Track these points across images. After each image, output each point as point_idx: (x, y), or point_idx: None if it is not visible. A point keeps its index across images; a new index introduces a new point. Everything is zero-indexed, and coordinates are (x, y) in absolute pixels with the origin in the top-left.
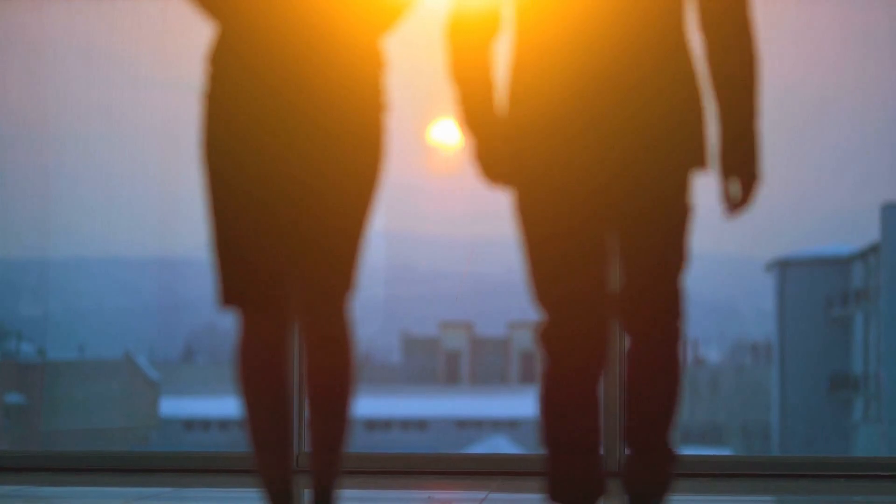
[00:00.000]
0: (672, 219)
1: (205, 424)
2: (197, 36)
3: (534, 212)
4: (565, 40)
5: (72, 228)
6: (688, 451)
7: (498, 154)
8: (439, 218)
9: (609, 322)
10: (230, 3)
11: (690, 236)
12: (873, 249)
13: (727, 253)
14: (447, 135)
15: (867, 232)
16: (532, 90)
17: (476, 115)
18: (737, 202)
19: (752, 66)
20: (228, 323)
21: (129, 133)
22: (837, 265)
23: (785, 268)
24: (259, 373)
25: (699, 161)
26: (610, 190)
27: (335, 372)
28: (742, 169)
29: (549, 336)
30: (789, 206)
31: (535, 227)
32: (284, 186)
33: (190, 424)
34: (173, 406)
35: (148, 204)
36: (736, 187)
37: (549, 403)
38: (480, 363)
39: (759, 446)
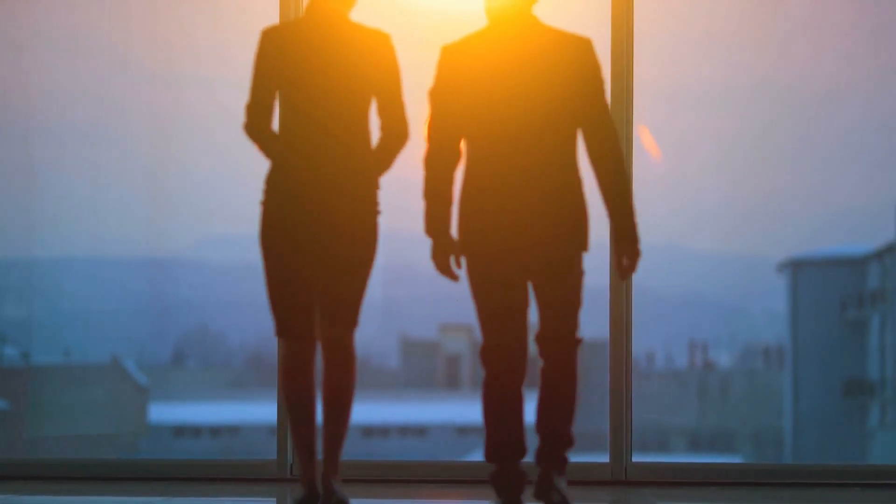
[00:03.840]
0: (570, 279)
1: (195, 431)
2: (188, 26)
3: (479, 270)
4: (499, 164)
5: (57, 226)
6: (697, 458)
7: (446, 253)
8: None
9: (527, 346)
10: (280, 148)
11: (582, 289)
12: (889, 249)
13: (737, 253)
14: None
15: (883, 230)
16: (478, 196)
17: (436, 224)
18: (626, 270)
19: (628, 183)
20: (220, 325)
21: (117, 126)
22: (852, 265)
23: (797, 268)
24: (293, 382)
25: (584, 245)
26: (529, 257)
27: (343, 385)
28: (629, 249)
29: (486, 353)
30: (801, 203)
31: (479, 279)
32: (312, 263)
33: (180, 431)
34: (163, 412)
35: (137, 201)
36: (626, 261)
37: (487, 399)
38: (482, 367)
39: (772, 454)
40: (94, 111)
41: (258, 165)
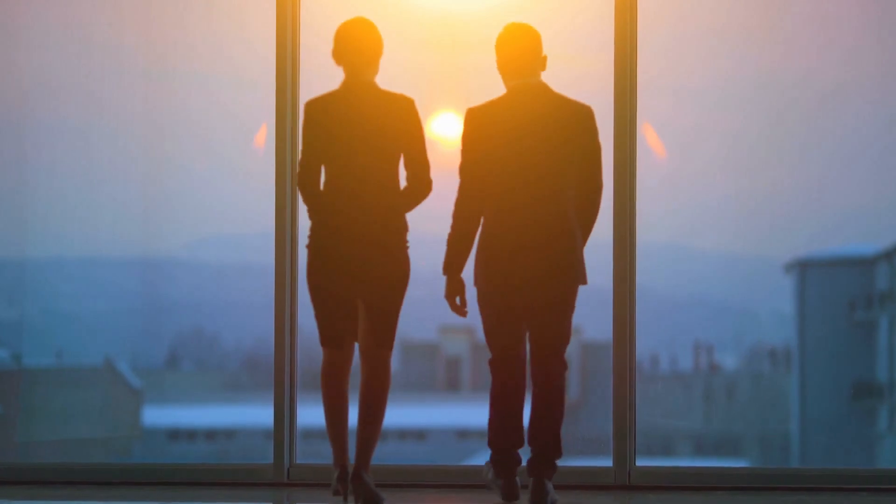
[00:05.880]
0: (563, 312)
1: (190, 434)
2: (182, 22)
3: (488, 299)
4: (511, 212)
5: (50, 225)
6: (702, 462)
7: (457, 292)
8: (439, 216)
9: (525, 356)
10: (320, 204)
11: (571, 321)
12: None
13: (743, 253)
14: (447, 130)
15: (891, 230)
16: (491, 245)
17: (451, 267)
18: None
19: (591, 228)
20: (216, 327)
21: (111, 123)
22: (860, 266)
23: (805, 269)
24: (330, 387)
25: (582, 280)
26: (528, 292)
27: (377, 395)
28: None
29: (494, 364)
30: (808, 202)
31: (488, 306)
32: (352, 291)
33: (174, 434)
34: (157, 415)
35: (131, 199)
36: None
37: (494, 402)
38: (482, 370)
39: (778, 458)
40: (87, 108)
41: (255, 165)
